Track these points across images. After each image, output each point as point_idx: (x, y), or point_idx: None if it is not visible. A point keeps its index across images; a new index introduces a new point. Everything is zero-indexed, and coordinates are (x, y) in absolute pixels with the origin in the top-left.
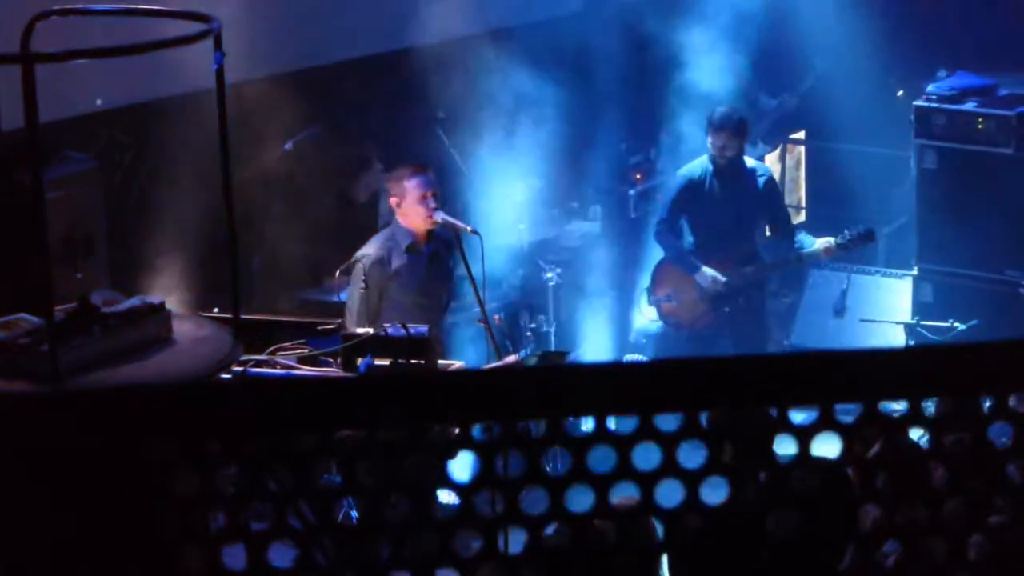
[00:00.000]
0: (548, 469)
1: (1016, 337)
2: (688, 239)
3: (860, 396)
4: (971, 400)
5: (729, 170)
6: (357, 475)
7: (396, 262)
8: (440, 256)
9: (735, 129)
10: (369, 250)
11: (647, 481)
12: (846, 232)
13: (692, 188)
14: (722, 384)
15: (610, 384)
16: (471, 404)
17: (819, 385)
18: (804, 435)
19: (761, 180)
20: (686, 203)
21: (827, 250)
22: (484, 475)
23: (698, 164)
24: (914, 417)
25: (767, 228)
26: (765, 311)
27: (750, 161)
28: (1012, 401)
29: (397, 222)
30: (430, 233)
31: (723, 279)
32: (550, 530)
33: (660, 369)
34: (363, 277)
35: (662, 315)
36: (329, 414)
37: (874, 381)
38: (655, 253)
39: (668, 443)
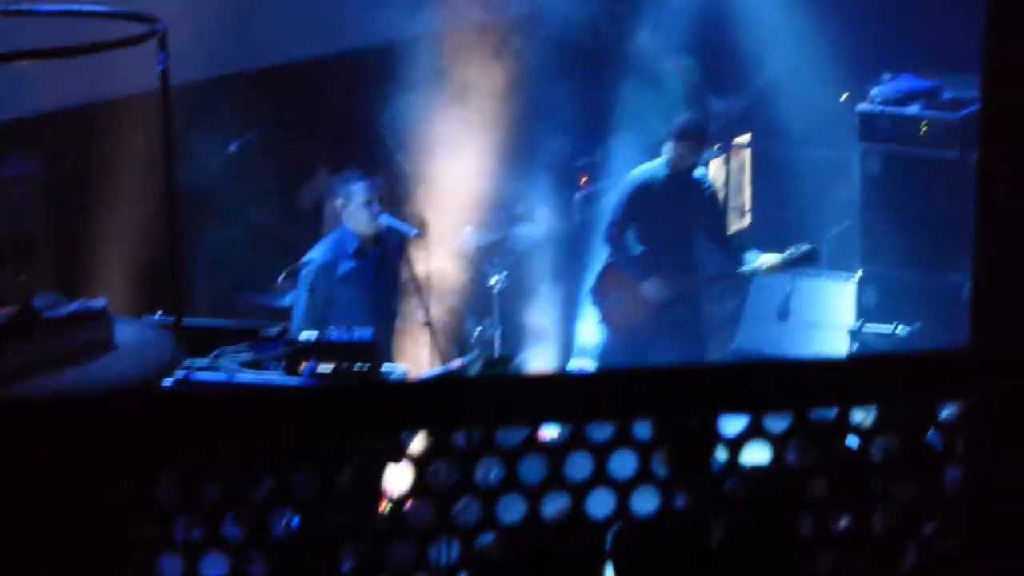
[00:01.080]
0: (482, 479)
1: (959, 341)
2: (635, 244)
3: (792, 405)
4: (903, 408)
5: (681, 178)
6: (295, 485)
7: (343, 266)
8: (389, 260)
9: (699, 138)
10: (315, 255)
11: (580, 491)
12: (789, 250)
13: (644, 193)
14: (655, 393)
15: (543, 395)
16: (407, 414)
17: (751, 394)
18: (735, 445)
19: (707, 190)
20: (638, 208)
21: (770, 267)
22: (418, 485)
23: (651, 168)
24: (846, 425)
25: (705, 236)
26: (702, 319)
27: (697, 171)
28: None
29: (344, 226)
30: (378, 237)
31: (669, 289)
32: (488, 539)
33: (593, 379)
34: (309, 282)
35: (603, 316)
36: (263, 423)
37: (806, 389)
38: (600, 256)
39: (600, 452)
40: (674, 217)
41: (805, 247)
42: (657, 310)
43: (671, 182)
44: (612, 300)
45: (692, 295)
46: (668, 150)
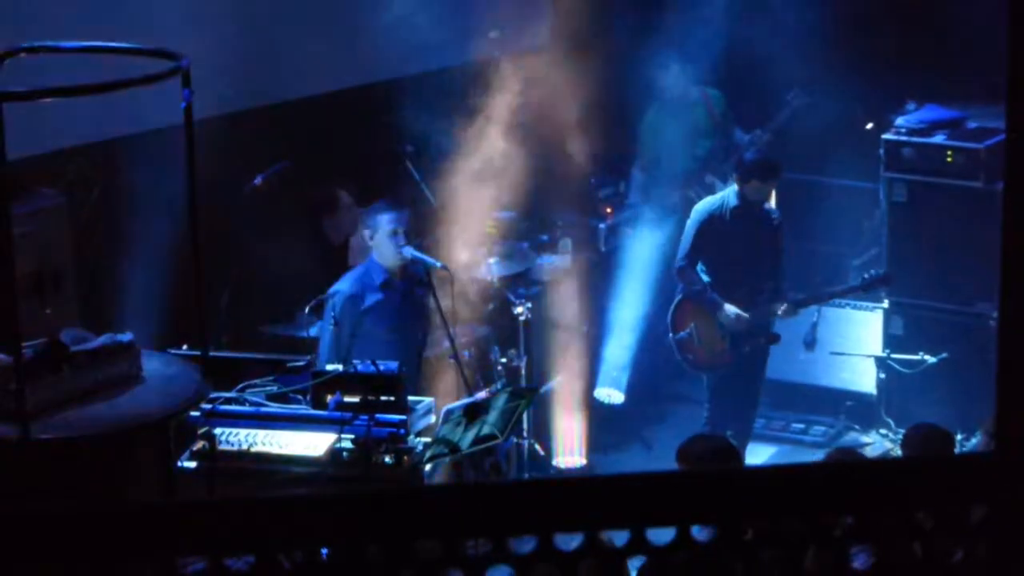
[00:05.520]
0: None
1: (987, 370)
2: (704, 276)
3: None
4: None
5: (751, 209)
6: None
7: (370, 298)
8: (415, 293)
9: (774, 175)
10: (342, 286)
11: None
12: (864, 275)
13: (713, 226)
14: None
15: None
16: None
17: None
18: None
19: (776, 222)
20: (707, 241)
21: (849, 290)
22: None
23: (719, 201)
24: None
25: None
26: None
27: (767, 204)
28: None
29: (372, 258)
30: (404, 269)
31: (746, 316)
32: None
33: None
34: (333, 314)
35: (681, 353)
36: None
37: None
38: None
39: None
40: (744, 246)
41: (880, 272)
42: (734, 341)
43: (742, 213)
44: (687, 334)
45: (766, 323)
46: (741, 185)
